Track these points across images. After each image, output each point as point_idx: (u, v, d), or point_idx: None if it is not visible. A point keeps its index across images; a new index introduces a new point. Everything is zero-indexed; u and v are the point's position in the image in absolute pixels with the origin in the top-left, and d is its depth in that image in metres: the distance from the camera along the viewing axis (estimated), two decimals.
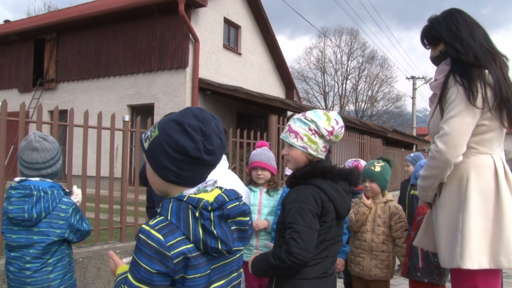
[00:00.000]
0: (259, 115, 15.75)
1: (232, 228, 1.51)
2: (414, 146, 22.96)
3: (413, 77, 34.49)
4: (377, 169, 3.57)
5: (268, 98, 12.91)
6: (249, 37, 16.37)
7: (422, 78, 34.80)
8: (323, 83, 46.46)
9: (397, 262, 3.71)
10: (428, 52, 2.77)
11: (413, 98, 34.05)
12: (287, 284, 2.24)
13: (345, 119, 12.92)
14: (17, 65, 17.04)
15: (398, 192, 6.61)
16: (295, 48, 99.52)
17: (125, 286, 1.44)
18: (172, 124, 1.48)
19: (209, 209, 1.44)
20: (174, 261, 1.41)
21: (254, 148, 3.88)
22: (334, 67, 45.79)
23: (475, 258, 2.30)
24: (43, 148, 2.68)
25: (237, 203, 1.54)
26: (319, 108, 2.86)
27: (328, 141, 2.32)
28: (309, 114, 2.32)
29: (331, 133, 2.28)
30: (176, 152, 1.46)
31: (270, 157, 3.71)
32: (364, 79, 45.53)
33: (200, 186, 1.53)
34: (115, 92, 14.24)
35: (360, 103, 45.55)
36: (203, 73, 13.24)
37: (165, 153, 1.47)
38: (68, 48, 15.52)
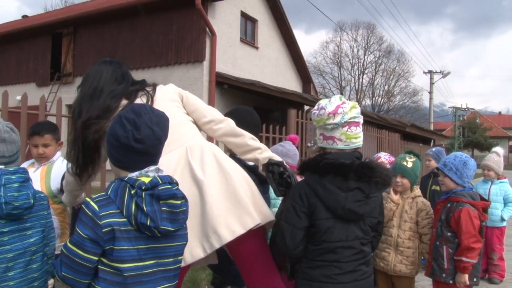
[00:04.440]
0: (276, 109, 15.67)
1: (162, 208, 1.69)
2: (432, 141, 22.72)
3: (430, 72, 34.14)
4: (409, 164, 3.46)
5: (285, 92, 12.82)
6: (266, 31, 16.25)
7: (440, 72, 34.42)
8: (339, 77, 46.28)
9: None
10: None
11: (430, 92, 33.70)
12: (297, 283, 2.28)
13: (363, 114, 12.80)
14: (35, 59, 17.17)
15: (418, 187, 6.50)
16: (311, 42, 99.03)
17: (63, 248, 1.70)
18: (117, 117, 1.80)
19: (143, 188, 1.66)
20: (103, 230, 1.62)
21: (273, 143, 3.81)
22: (351, 61, 45.57)
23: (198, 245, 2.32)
24: (11, 140, 2.15)
25: (169, 186, 1.73)
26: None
27: (321, 128, 2.25)
28: None
29: (311, 118, 2.24)
30: (114, 139, 1.74)
31: (283, 152, 3.56)
32: (380, 74, 45.28)
33: (143, 171, 1.75)
34: None
35: (376, 97, 45.30)
36: (220, 67, 13.19)
37: (109, 141, 1.79)
38: (85, 42, 15.58)
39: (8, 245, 1.93)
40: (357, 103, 2.30)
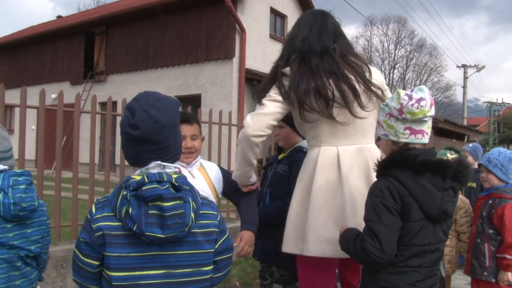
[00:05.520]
0: None
1: (150, 212, 1.46)
2: (466, 136, 22.22)
3: (464, 66, 33.38)
4: None
5: None
6: None
7: (474, 66, 33.62)
8: None
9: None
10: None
11: (464, 87, 32.98)
12: None
13: None
14: (69, 58, 17.55)
15: None
16: None
17: (74, 249, 1.61)
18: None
19: (131, 189, 1.49)
20: (95, 234, 1.50)
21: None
22: (381, 56, 44.84)
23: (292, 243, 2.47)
24: (2, 136, 2.08)
25: (155, 186, 1.48)
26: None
27: (408, 121, 2.01)
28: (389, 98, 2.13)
29: (401, 111, 1.99)
30: (120, 133, 1.63)
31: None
32: (412, 68, 44.43)
33: (143, 168, 1.57)
34: (163, 83, 14.40)
35: None
36: (250, 63, 13.19)
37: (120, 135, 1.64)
38: (117, 41, 15.84)
39: None
40: None
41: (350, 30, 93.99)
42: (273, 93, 2.44)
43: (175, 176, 1.55)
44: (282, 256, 2.80)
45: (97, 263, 1.54)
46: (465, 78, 32.79)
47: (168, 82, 14.33)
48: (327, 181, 2.40)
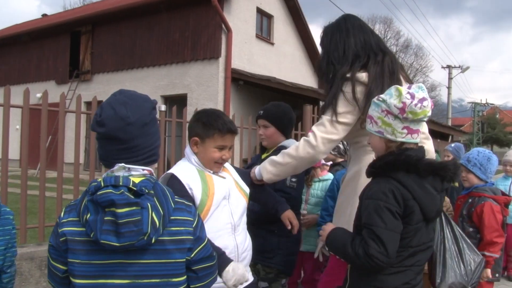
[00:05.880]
0: (292, 105, 15.63)
1: (105, 218, 1.37)
2: (450, 136, 22.46)
3: (449, 66, 33.67)
4: None
5: (301, 87, 12.80)
6: (282, 26, 16.23)
7: (459, 67, 33.95)
8: None
9: None
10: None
11: (449, 88, 33.29)
12: None
13: None
14: (54, 57, 17.43)
15: None
16: None
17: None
18: None
19: (90, 193, 1.41)
20: (60, 239, 1.44)
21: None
22: None
23: None
24: None
25: (109, 191, 1.39)
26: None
27: (408, 121, 1.96)
28: (384, 93, 2.06)
29: (403, 110, 1.92)
30: None
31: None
32: None
33: (109, 170, 1.50)
34: (149, 82, 14.38)
35: None
36: (236, 63, 13.22)
37: None
38: (103, 40, 15.77)
39: None
40: None
41: None
42: (344, 111, 2.44)
43: (138, 179, 1.45)
44: (268, 253, 2.84)
45: (64, 268, 1.47)
46: (450, 78, 33.11)
47: (154, 81, 14.30)
48: None
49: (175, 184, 2.21)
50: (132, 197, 1.39)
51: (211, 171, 2.34)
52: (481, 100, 41.32)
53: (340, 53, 2.54)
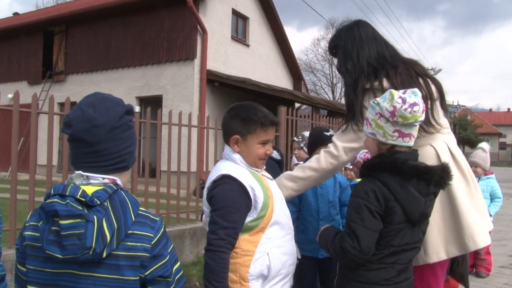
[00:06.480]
0: (267, 106, 15.67)
1: (52, 228, 1.32)
2: None
3: None
4: None
5: (276, 89, 12.88)
6: (257, 28, 16.30)
7: (431, 69, 34.51)
8: (330, 74, 46.34)
9: None
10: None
11: None
12: (345, 286, 2.14)
13: None
14: (26, 57, 17.11)
15: None
16: (303, 39, 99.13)
17: None
18: None
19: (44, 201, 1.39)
20: (22, 243, 1.42)
21: None
22: None
23: (442, 250, 2.34)
24: None
25: (55, 200, 1.34)
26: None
27: (399, 124, 2.01)
28: (380, 96, 2.10)
29: (393, 113, 1.97)
30: None
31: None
32: None
33: (69, 177, 1.47)
34: (124, 84, 14.26)
35: None
36: (211, 65, 13.22)
37: None
38: (77, 40, 15.56)
39: None
40: None
41: (312, 33, 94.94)
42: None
43: (93, 189, 1.40)
44: None
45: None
46: None
47: (129, 82, 14.19)
48: (455, 172, 2.35)
49: (234, 187, 2.04)
50: (80, 208, 1.33)
51: (259, 170, 2.20)
52: (453, 102, 42.17)
53: (355, 61, 2.50)
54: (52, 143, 4.28)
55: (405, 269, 2.11)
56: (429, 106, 2.35)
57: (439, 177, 2.02)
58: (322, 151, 2.55)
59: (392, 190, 1.98)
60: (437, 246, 2.33)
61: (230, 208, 2.01)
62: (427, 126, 2.37)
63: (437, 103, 2.45)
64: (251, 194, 2.04)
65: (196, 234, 5.69)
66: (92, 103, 1.46)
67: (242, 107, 2.19)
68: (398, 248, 2.04)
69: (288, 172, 2.65)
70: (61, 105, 13.08)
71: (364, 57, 2.48)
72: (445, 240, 2.33)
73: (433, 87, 2.43)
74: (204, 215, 2.34)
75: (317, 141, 3.40)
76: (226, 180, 2.05)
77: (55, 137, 14.90)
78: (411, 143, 2.07)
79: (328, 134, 3.40)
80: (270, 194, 2.11)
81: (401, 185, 1.98)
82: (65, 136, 3.75)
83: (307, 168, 2.55)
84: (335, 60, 2.75)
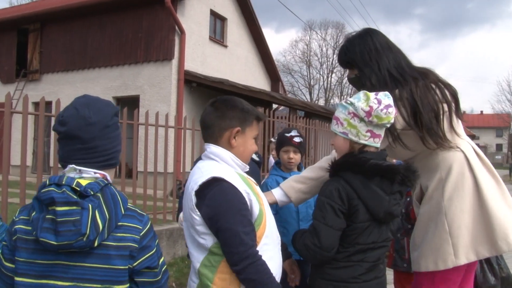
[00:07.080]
0: None
1: (47, 216, 1.40)
2: None
3: None
4: None
5: (254, 90, 12.91)
6: (235, 29, 16.32)
7: None
8: (308, 76, 46.70)
9: None
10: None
11: None
12: (315, 283, 2.17)
13: (331, 112, 12.94)
14: None
15: None
16: (281, 41, 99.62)
17: None
18: None
19: (37, 192, 1.47)
20: (12, 237, 1.47)
21: None
22: (320, 60, 46.01)
23: (470, 251, 2.29)
24: None
25: (51, 189, 1.42)
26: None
27: (372, 125, 2.04)
28: (352, 97, 2.10)
29: (369, 113, 2.00)
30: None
31: None
32: None
33: (61, 172, 1.54)
34: (101, 83, 14.11)
35: (345, 96, 45.79)
36: (189, 65, 13.19)
37: None
38: (52, 39, 15.32)
39: None
40: None
41: (290, 34, 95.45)
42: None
43: (86, 181, 1.46)
44: None
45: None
46: None
47: (106, 82, 14.05)
48: (485, 172, 2.38)
49: (233, 189, 1.80)
50: (75, 197, 1.40)
51: (245, 174, 1.98)
52: None
53: (377, 73, 2.40)
54: (26, 143, 4.23)
55: (374, 268, 2.13)
56: (447, 114, 2.34)
57: (402, 175, 2.02)
58: (333, 151, 2.50)
59: (356, 189, 2.02)
60: (466, 248, 2.28)
61: (242, 211, 1.78)
62: (451, 135, 2.37)
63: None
64: (247, 201, 1.82)
65: (173, 235, 5.70)
66: (86, 103, 1.56)
67: (237, 99, 2.00)
68: (364, 246, 2.07)
69: (296, 175, 2.61)
70: (36, 104, 12.88)
71: (384, 67, 2.41)
72: (475, 241, 2.29)
73: (448, 94, 2.39)
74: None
75: (279, 143, 3.41)
76: (222, 182, 1.79)
77: (29, 137, 14.71)
78: (378, 144, 2.11)
79: (288, 135, 3.34)
80: (260, 201, 1.91)
81: (364, 183, 2.02)
82: (40, 137, 3.72)
83: (318, 169, 2.51)
84: (345, 71, 2.63)
